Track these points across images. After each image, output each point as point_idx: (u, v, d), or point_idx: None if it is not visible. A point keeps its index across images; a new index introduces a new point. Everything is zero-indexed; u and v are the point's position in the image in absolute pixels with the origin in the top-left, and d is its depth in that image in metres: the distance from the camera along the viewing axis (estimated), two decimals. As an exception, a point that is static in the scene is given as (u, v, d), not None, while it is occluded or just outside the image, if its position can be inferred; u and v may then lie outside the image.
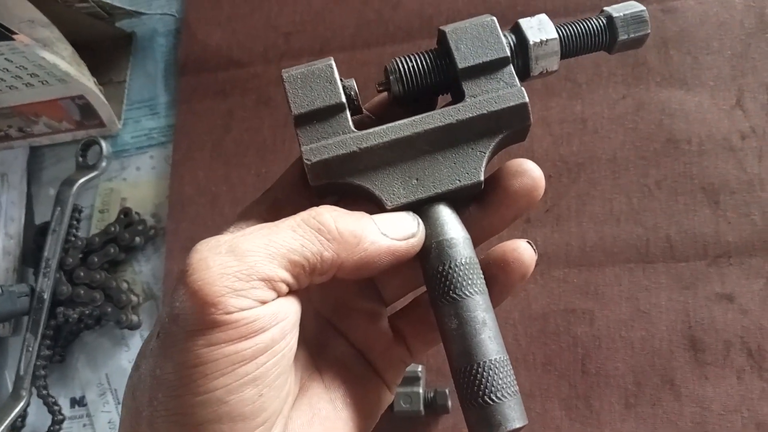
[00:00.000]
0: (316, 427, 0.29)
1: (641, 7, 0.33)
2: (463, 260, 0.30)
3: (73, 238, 0.69)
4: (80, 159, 0.73)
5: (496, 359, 0.29)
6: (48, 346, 0.66)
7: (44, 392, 0.65)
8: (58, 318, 0.66)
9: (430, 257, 0.30)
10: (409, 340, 0.34)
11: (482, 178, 0.31)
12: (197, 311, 0.24)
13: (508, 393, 0.28)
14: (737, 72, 0.60)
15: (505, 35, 0.32)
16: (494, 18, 0.32)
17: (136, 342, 0.68)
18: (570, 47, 0.33)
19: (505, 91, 0.31)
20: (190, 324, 0.24)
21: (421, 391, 0.55)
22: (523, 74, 0.33)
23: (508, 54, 0.32)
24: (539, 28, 0.32)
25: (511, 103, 0.31)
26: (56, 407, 0.65)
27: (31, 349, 0.65)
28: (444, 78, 0.32)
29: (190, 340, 0.24)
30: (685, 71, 0.61)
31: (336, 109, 0.31)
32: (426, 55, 0.32)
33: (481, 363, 0.28)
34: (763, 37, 0.60)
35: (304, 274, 0.27)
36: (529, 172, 0.32)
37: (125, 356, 0.68)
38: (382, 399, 0.34)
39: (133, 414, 0.26)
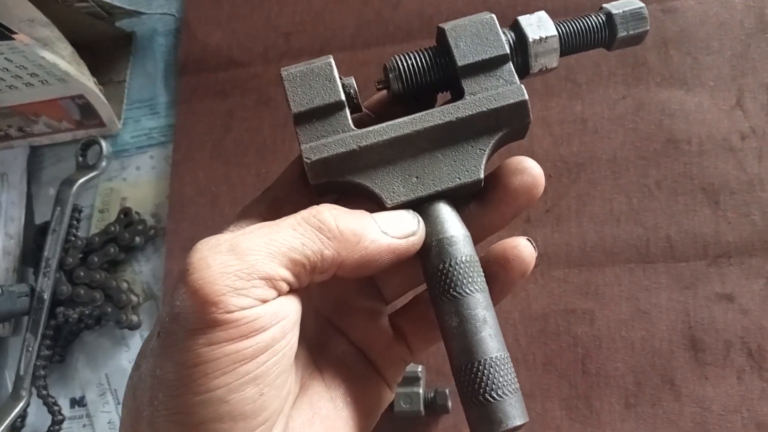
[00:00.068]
0: (317, 426, 0.29)
1: (640, 4, 0.33)
2: (464, 258, 0.30)
3: (73, 238, 0.69)
4: (80, 159, 0.72)
5: (496, 357, 0.29)
6: (48, 346, 0.66)
7: (44, 392, 0.65)
8: (58, 318, 0.66)
9: (430, 255, 0.30)
10: (409, 339, 0.34)
11: (482, 175, 0.31)
12: (198, 310, 0.24)
13: (509, 390, 0.28)
14: (737, 72, 0.60)
15: (504, 32, 0.32)
16: (493, 15, 0.32)
17: (136, 342, 0.68)
18: (569, 44, 0.33)
19: (505, 88, 0.31)
20: (191, 323, 0.24)
21: (421, 391, 0.54)
22: (523, 71, 0.33)
23: (508, 51, 0.31)
24: (538, 25, 0.32)
25: (511, 101, 0.31)
26: (56, 407, 0.65)
27: (31, 349, 0.65)
28: (443, 75, 0.32)
29: (190, 340, 0.24)
30: (685, 71, 0.61)
31: (335, 108, 0.31)
32: (425, 53, 0.32)
33: (482, 361, 0.28)
34: (763, 38, 0.60)
35: (305, 273, 0.27)
36: (529, 169, 0.32)
37: (125, 356, 0.68)
38: (382, 398, 0.33)
39: (134, 414, 0.26)
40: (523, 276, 0.32)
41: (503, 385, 0.28)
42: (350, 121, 0.31)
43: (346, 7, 0.71)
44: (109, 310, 0.65)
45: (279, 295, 0.26)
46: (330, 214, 0.28)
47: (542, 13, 0.33)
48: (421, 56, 0.32)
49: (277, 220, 0.27)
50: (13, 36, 0.58)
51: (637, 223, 0.58)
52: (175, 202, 0.69)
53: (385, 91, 0.34)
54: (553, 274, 0.59)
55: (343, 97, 0.31)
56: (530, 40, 0.32)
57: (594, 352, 0.56)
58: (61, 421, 0.66)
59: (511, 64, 0.32)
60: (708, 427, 0.53)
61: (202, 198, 0.68)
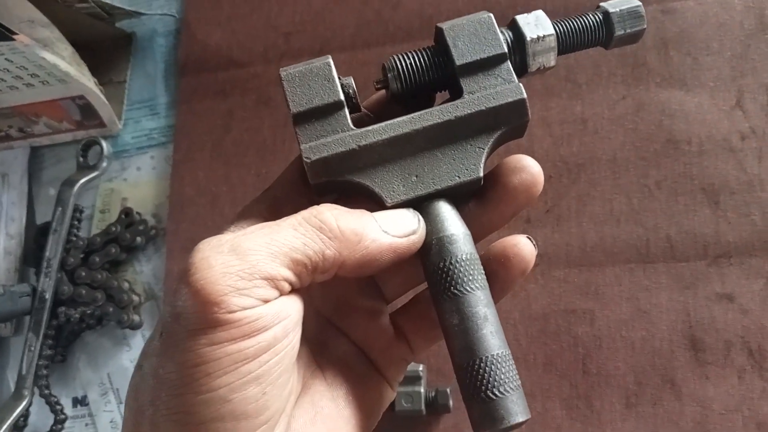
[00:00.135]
0: (319, 425, 0.29)
1: (637, 3, 0.33)
2: (464, 256, 0.30)
3: (74, 238, 0.69)
4: (81, 159, 0.73)
5: (498, 354, 0.29)
6: (50, 345, 0.66)
7: (46, 392, 0.65)
8: (59, 318, 0.66)
9: (430, 254, 0.30)
10: (410, 337, 0.34)
11: (482, 174, 0.31)
12: (199, 310, 0.24)
13: (511, 387, 0.28)
14: (737, 73, 0.60)
15: (502, 32, 0.32)
16: (491, 14, 0.32)
17: (137, 342, 0.68)
18: (567, 43, 0.33)
19: (503, 87, 0.31)
20: (193, 323, 0.24)
21: (422, 390, 0.55)
22: (521, 70, 0.33)
23: (506, 50, 0.32)
24: (536, 24, 0.32)
25: (509, 99, 0.31)
26: (58, 407, 0.66)
27: (32, 348, 0.65)
28: (442, 75, 0.32)
29: (192, 339, 0.24)
30: (685, 72, 0.61)
31: (334, 107, 0.31)
32: (423, 53, 0.32)
33: (483, 358, 0.28)
34: (763, 38, 0.60)
35: (306, 273, 0.27)
36: (528, 168, 0.32)
37: (127, 356, 0.68)
38: (384, 397, 0.34)
39: (136, 413, 0.26)
40: (523, 274, 0.32)
41: (505, 381, 0.28)
42: (349, 121, 0.31)
43: (346, 7, 0.71)
44: (111, 309, 0.65)
45: (281, 295, 0.26)
46: (331, 213, 0.28)
47: (540, 12, 0.33)
48: (420, 56, 0.32)
49: (278, 221, 0.27)
50: (14, 37, 0.58)
51: (638, 223, 0.58)
52: (176, 202, 0.69)
53: (383, 91, 0.34)
54: (554, 274, 0.59)
55: (342, 97, 0.31)
56: (528, 38, 0.32)
57: (594, 352, 0.56)
58: (64, 421, 0.66)
59: (509, 62, 0.32)
60: (708, 427, 0.53)
61: (203, 198, 0.69)
